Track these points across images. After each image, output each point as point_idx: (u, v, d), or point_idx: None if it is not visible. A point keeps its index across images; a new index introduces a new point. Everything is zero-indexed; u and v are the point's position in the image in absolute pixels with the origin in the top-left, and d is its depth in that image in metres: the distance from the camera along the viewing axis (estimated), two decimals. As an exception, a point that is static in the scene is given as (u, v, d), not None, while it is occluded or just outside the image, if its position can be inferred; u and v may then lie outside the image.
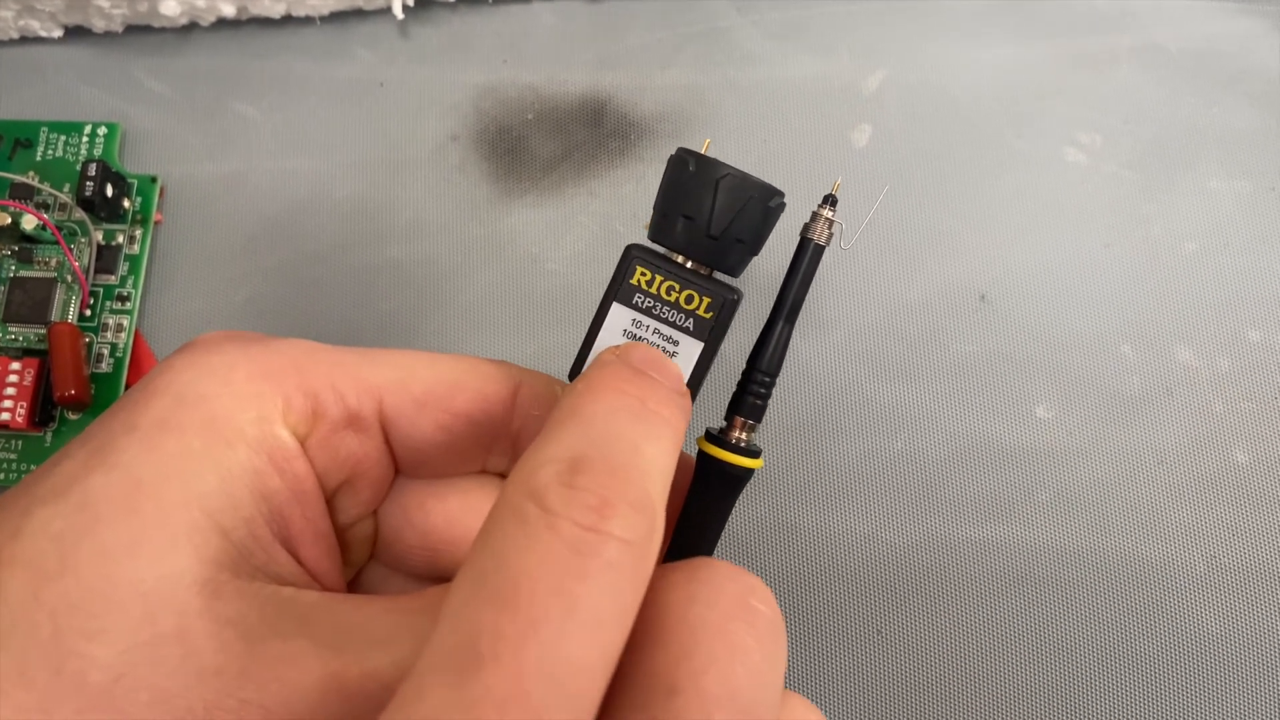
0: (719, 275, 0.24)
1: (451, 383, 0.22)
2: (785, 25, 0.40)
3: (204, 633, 0.17)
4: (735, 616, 0.17)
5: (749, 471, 0.22)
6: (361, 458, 0.22)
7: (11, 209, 0.35)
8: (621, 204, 0.37)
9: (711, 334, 0.24)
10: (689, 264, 0.25)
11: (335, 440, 0.21)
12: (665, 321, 0.25)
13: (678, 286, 0.25)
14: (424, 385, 0.22)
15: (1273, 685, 0.32)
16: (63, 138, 0.37)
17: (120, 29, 0.39)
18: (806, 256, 0.23)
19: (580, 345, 0.23)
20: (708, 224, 0.24)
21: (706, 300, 0.24)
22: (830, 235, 0.22)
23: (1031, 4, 0.40)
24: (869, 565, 0.33)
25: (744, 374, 0.23)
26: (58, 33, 0.39)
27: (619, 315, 0.24)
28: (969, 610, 0.33)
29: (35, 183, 0.36)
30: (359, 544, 0.24)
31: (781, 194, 0.25)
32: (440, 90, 0.39)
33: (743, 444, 0.22)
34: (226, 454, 0.19)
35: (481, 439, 0.23)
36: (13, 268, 0.35)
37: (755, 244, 0.25)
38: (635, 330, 0.24)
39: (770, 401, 0.30)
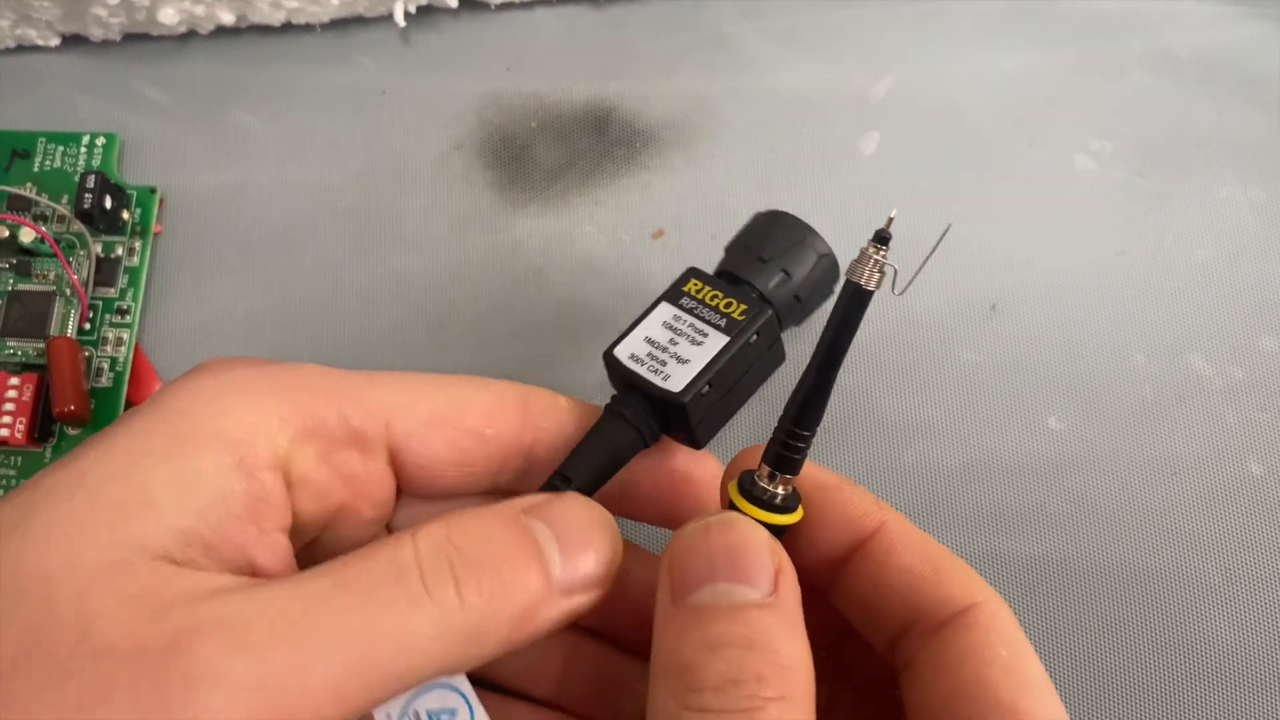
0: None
1: (461, 401, 0.22)
2: (791, 31, 0.39)
3: (104, 612, 0.17)
4: None
5: (787, 528, 0.22)
6: (364, 478, 0.22)
7: (9, 222, 0.34)
8: (627, 213, 0.37)
9: (739, 332, 0.27)
10: (738, 279, 0.28)
11: (337, 458, 0.21)
12: (700, 319, 0.27)
13: (721, 294, 0.27)
14: (431, 406, 0.22)
15: (1289, 699, 0.32)
16: (61, 148, 0.37)
17: (118, 37, 0.39)
18: (846, 302, 0.20)
19: (620, 333, 0.26)
20: (760, 249, 0.29)
21: (743, 306, 0.27)
22: (879, 278, 0.20)
23: (1041, 10, 0.39)
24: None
25: (783, 425, 0.21)
26: (55, 41, 0.39)
27: (664, 311, 0.26)
28: (981, 624, 0.32)
29: (33, 195, 0.36)
30: None
31: (828, 247, 0.30)
32: (443, 98, 0.38)
33: (777, 499, 0.22)
34: (188, 452, 0.19)
35: (494, 455, 0.23)
36: (11, 281, 0.35)
37: (801, 285, 0.29)
38: (673, 323, 0.27)
39: (776, 412, 0.30)
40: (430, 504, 0.24)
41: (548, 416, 0.23)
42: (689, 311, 0.27)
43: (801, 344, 0.34)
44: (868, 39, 0.39)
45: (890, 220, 0.20)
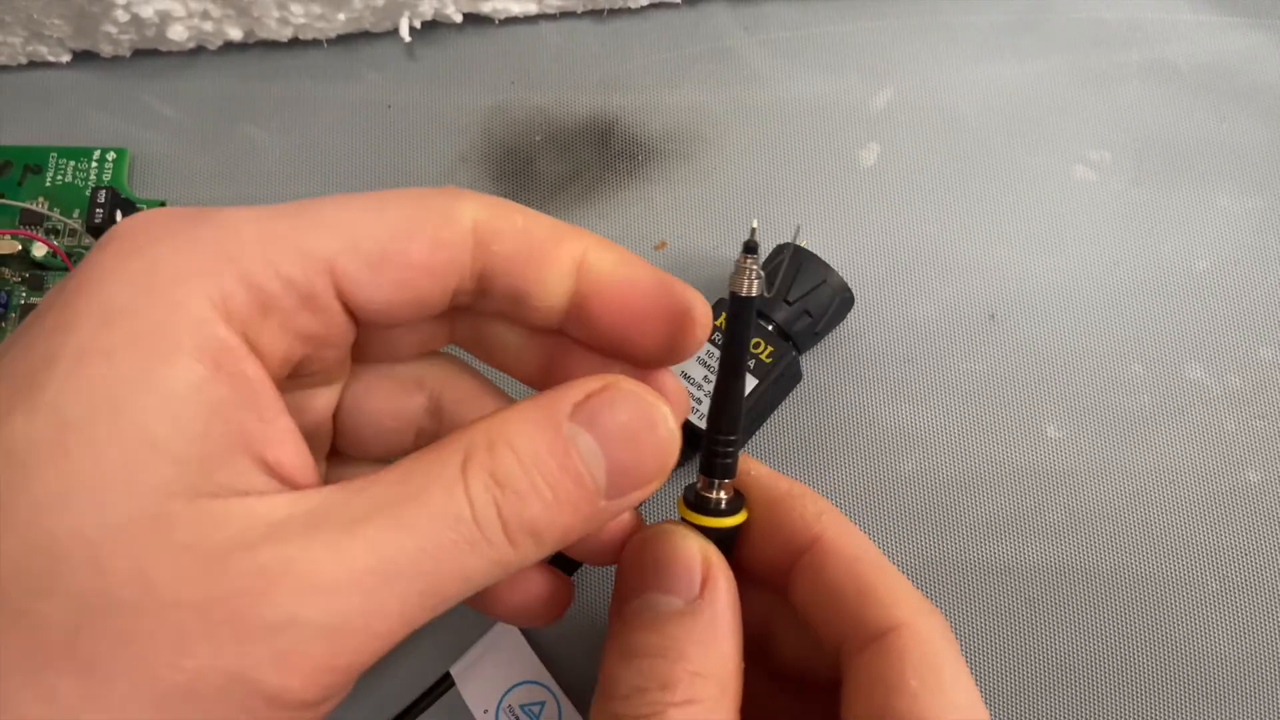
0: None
1: (403, 233, 0.20)
2: (792, 44, 0.40)
3: (160, 565, 0.16)
4: None
5: (735, 529, 0.23)
6: (323, 334, 0.21)
7: (21, 237, 0.35)
8: (630, 225, 0.37)
9: (766, 374, 0.32)
10: (769, 326, 0.32)
11: (291, 325, 0.20)
12: None
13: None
14: (375, 243, 0.20)
15: (1287, 706, 0.32)
16: (72, 163, 0.37)
17: (128, 54, 0.39)
18: (732, 311, 0.21)
19: None
20: (787, 291, 0.32)
21: (770, 349, 0.32)
22: (757, 284, 0.21)
23: (1040, 21, 0.40)
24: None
25: (708, 436, 0.23)
26: (66, 58, 0.39)
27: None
28: (979, 630, 0.33)
29: (44, 209, 0.36)
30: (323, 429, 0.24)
31: (845, 284, 0.33)
32: (448, 112, 0.39)
33: (721, 504, 0.23)
34: (161, 370, 0.17)
35: (445, 286, 0.21)
36: (23, 295, 0.35)
37: (818, 318, 0.33)
38: (705, 357, 0.32)
39: (780, 422, 0.33)
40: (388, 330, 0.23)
41: (498, 237, 0.21)
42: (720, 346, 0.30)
43: (815, 359, 0.34)
44: (868, 51, 0.39)
45: (754, 230, 0.21)
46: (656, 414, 0.20)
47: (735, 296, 0.21)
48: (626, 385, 0.20)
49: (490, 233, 0.21)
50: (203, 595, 0.16)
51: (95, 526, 0.16)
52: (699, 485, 0.23)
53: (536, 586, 0.25)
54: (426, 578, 0.18)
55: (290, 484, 0.19)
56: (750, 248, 0.21)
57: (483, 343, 0.24)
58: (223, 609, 0.16)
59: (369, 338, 0.23)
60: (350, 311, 0.21)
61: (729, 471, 0.23)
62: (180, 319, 0.18)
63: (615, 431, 0.19)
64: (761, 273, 0.21)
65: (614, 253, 0.22)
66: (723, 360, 0.22)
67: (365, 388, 0.24)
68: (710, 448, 0.23)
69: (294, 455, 0.19)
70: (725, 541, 0.23)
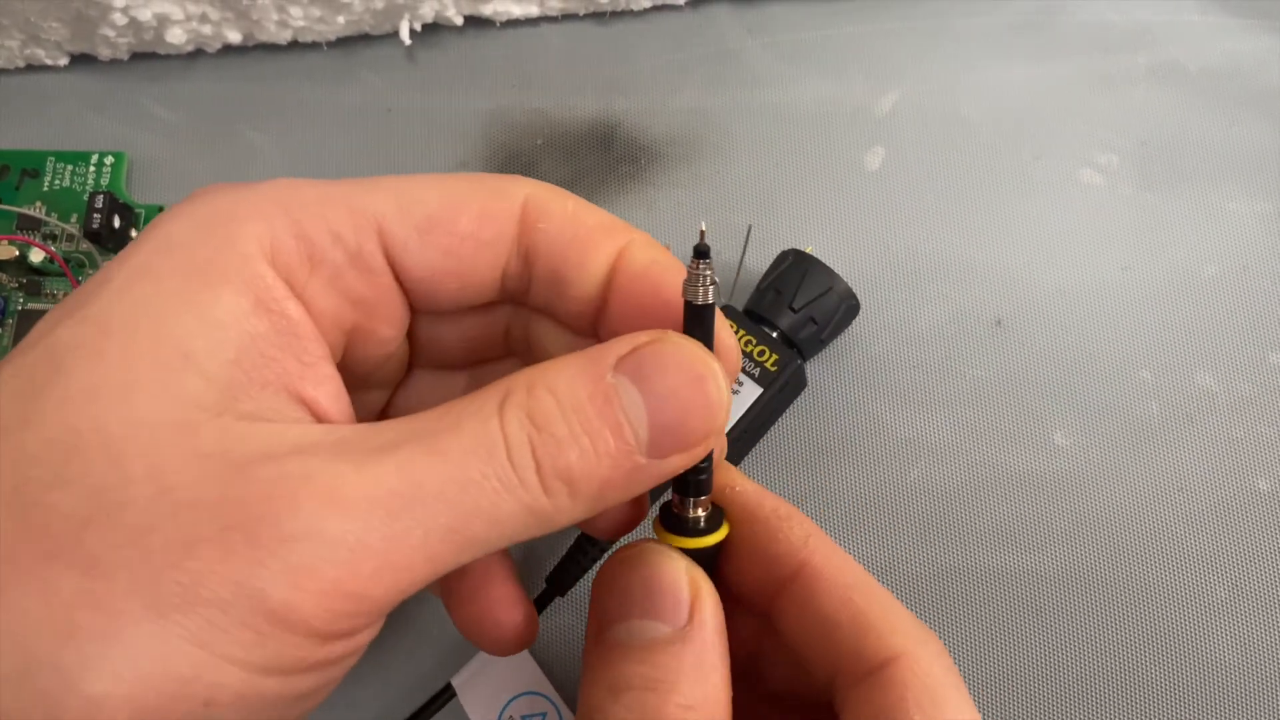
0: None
1: (454, 203, 0.21)
2: (796, 47, 0.39)
3: (180, 469, 0.16)
4: None
5: (716, 547, 0.22)
6: (373, 300, 0.21)
7: (19, 242, 0.35)
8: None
9: (771, 383, 0.32)
10: (774, 333, 0.32)
11: (340, 283, 0.20)
12: None
13: (755, 340, 0.32)
14: (425, 209, 0.20)
15: (1298, 717, 0.31)
16: (70, 167, 0.37)
17: (126, 56, 0.39)
18: (689, 319, 0.20)
19: None
20: (792, 298, 0.32)
21: (775, 356, 0.32)
22: (713, 289, 0.20)
23: (1047, 24, 0.39)
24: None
25: None
26: (64, 61, 0.39)
27: None
28: (988, 638, 0.32)
29: (42, 215, 0.36)
30: (383, 383, 0.23)
31: (851, 291, 0.33)
32: (448, 116, 0.38)
33: (700, 523, 0.22)
34: (205, 295, 0.18)
35: (492, 261, 0.21)
36: (21, 300, 0.35)
37: (824, 325, 0.33)
38: None
39: (785, 429, 0.32)
40: (442, 321, 0.24)
41: (546, 216, 0.21)
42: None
43: (820, 366, 0.34)
44: (873, 54, 0.39)
45: (703, 233, 0.20)
46: (707, 370, 0.19)
47: (690, 305, 0.20)
48: (677, 339, 0.19)
49: (540, 211, 0.21)
50: (218, 498, 0.16)
51: (118, 423, 0.16)
52: (673, 504, 0.22)
53: (504, 607, 0.24)
54: (454, 511, 0.17)
55: (324, 421, 0.19)
56: (701, 252, 0.20)
57: (531, 349, 0.24)
58: (237, 513, 0.16)
59: (422, 334, 0.23)
60: (399, 280, 0.21)
61: (704, 488, 0.21)
62: (229, 254, 0.18)
63: (661, 386, 0.19)
64: (716, 279, 0.20)
65: (654, 250, 0.22)
66: None
67: (417, 394, 0.24)
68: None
69: (332, 398, 0.19)
70: (707, 561, 0.22)
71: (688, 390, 0.19)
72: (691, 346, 0.19)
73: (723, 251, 0.36)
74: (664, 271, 0.21)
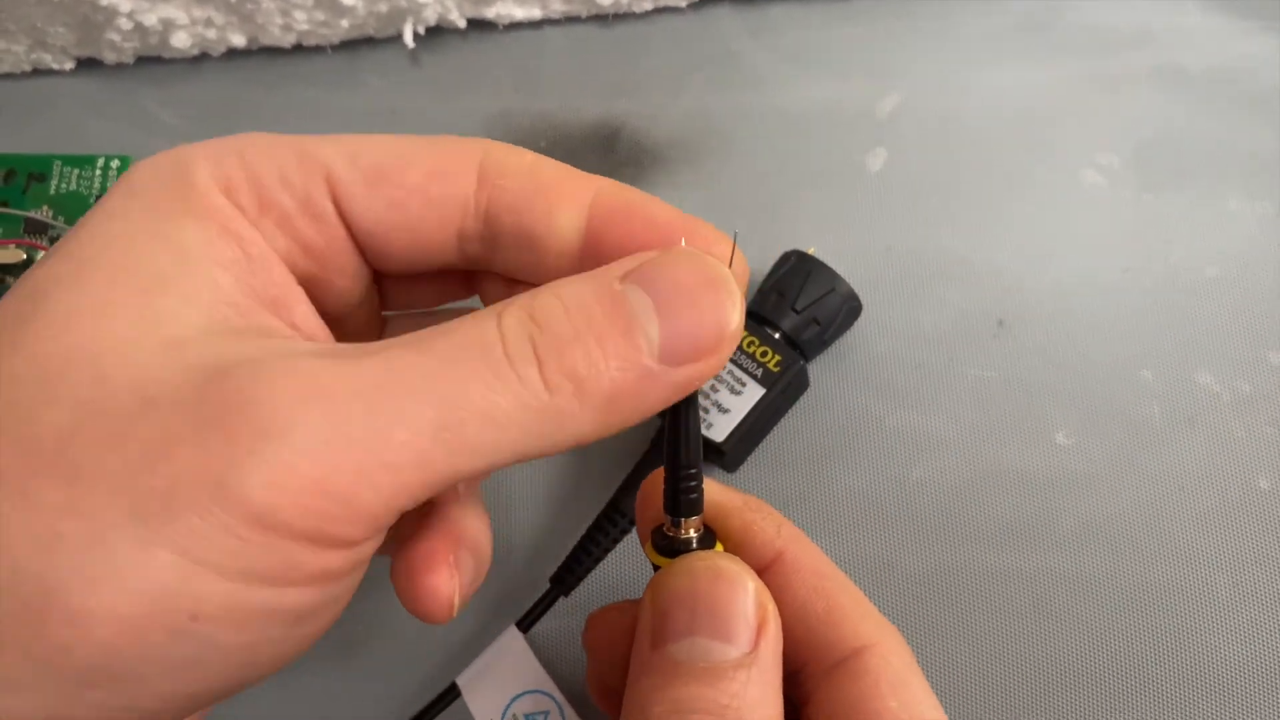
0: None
1: (404, 157, 0.20)
2: (798, 48, 0.39)
3: (165, 379, 0.16)
4: None
5: None
6: (323, 247, 0.20)
7: (26, 246, 0.35)
8: (635, 231, 0.37)
9: (774, 384, 0.32)
10: (777, 334, 0.32)
11: (290, 228, 0.20)
12: (739, 366, 0.31)
13: (758, 341, 0.32)
14: (374, 159, 0.20)
15: (1299, 715, 0.32)
16: (76, 171, 0.37)
17: (131, 60, 0.39)
18: None
19: None
20: (794, 299, 0.32)
21: (778, 357, 0.32)
22: None
23: (1048, 25, 0.39)
24: (888, 594, 0.33)
25: (669, 474, 0.21)
26: (69, 65, 0.39)
27: None
28: (989, 637, 0.32)
29: (49, 218, 0.36)
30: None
31: (853, 291, 0.33)
32: (452, 118, 0.39)
33: (693, 545, 0.21)
34: (170, 226, 0.18)
35: (445, 218, 0.21)
36: (27, 303, 0.35)
37: (826, 326, 0.33)
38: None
39: (788, 430, 0.33)
40: (414, 286, 0.23)
41: (507, 174, 0.20)
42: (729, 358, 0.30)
43: (823, 367, 0.34)
44: (875, 55, 0.39)
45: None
46: (718, 274, 0.18)
47: None
48: (686, 250, 0.19)
49: (497, 168, 0.21)
50: (198, 397, 0.16)
51: (102, 339, 0.16)
52: (665, 526, 0.21)
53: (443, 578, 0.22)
54: (442, 404, 0.16)
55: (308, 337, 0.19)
56: None
57: None
58: (214, 409, 0.15)
59: (395, 302, 0.23)
60: (350, 232, 0.20)
61: (696, 507, 0.21)
62: (188, 189, 0.19)
63: (671, 287, 0.18)
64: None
65: (629, 192, 0.21)
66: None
67: None
68: (674, 485, 0.21)
69: (309, 317, 0.20)
70: None
71: (699, 291, 0.18)
72: (702, 255, 0.19)
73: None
74: (645, 207, 0.21)
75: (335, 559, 0.16)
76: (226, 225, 0.19)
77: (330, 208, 0.20)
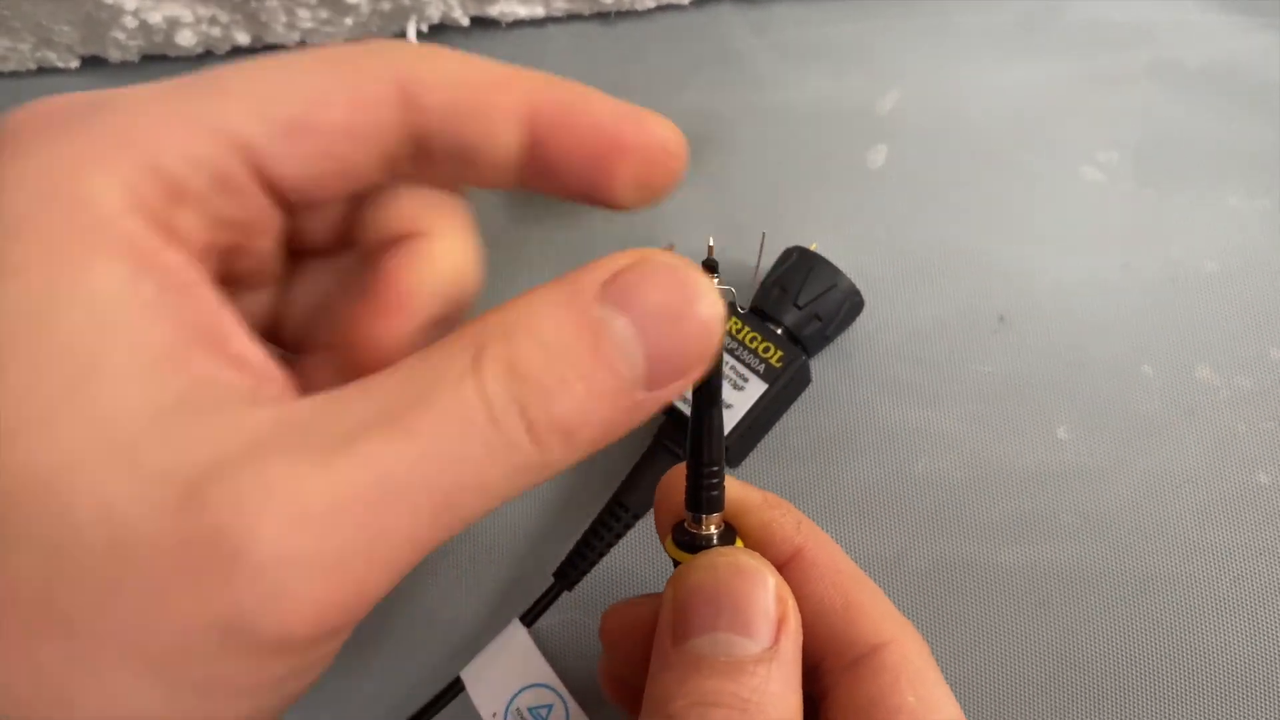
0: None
1: (317, 99, 0.18)
2: (800, 46, 0.40)
3: (130, 511, 0.15)
4: None
5: None
6: (243, 218, 0.19)
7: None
8: (635, 228, 0.37)
9: (776, 379, 0.32)
10: (779, 330, 0.32)
11: (208, 209, 0.18)
12: (742, 362, 0.32)
13: (760, 337, 0.32)
14: (287, 110, 0.18)
15: (1299, 708, 0.32)
16: (81, 169, 0.37)
17: (136, 59, 0.39)
18: None
19: None
20: (796, 295, 0.32)
21: (780, 353, 0.32)
22: (725, 304, 0.19)
23: (1048, 22, 0.40)
24: (891, 588, 0.33)
25: (691, 470, 0.21)
26: (74, 64, 0.39)
27: None
28: (992, 631, 0.32)
29: (55, 215, 0.36)
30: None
31: (855, 287, 0.33)
32: (455, 116, 0.39)
33: (714, 541, 0.22)
34: (81, 280, 0.15)
35: (375, 150, 0.19)
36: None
37: (828, 322, 0.33)
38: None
39: (790, 425, 0.33)
40: (324, 209, 0.21)
41: (428, 88, 0.19)
42: (731, 353, 0.32)
43: (825, 362, 0.34)
44: (876, 53, 0.39)
45: (710, 249, 0.20)
46: (697, 289, 0.17)
47: None
48: (661, 258, 0.18)
49: (419, 85, 0.19)
50: (179, 535, 0.14)
51: (49, 462, 0.15)
52: (686, 522, 0.22)
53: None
54: (437, 493, 0.16)
55: (257, 377, 0.17)
56: (710, 266, 0.19)
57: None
58: (203, 549, 0.14)
59: (302, 227, 0.21)
60: (272, 191, 0.19)
61: (718, 504, 0.21)
62: (87, 219, 0.16)
63: (652, 311, 0.17)
64: (732, 290, 0.20)
65: (567, 90, 0.20)
66: (697, 387, 0.20)
67: (313, 280, 0.22)
68: (696, 481, 0.21)
69: (249, 347, 0.18)
70: None
71: (681, 311, 0.17)
72: (676, 263, 0.18)
73: (727, 249, 0.37)
74: (585, 105, 0.20)
75: (341, 638, 0.17)
76: (141, 257, 0.16)
77: (249, 179, 0.18)
